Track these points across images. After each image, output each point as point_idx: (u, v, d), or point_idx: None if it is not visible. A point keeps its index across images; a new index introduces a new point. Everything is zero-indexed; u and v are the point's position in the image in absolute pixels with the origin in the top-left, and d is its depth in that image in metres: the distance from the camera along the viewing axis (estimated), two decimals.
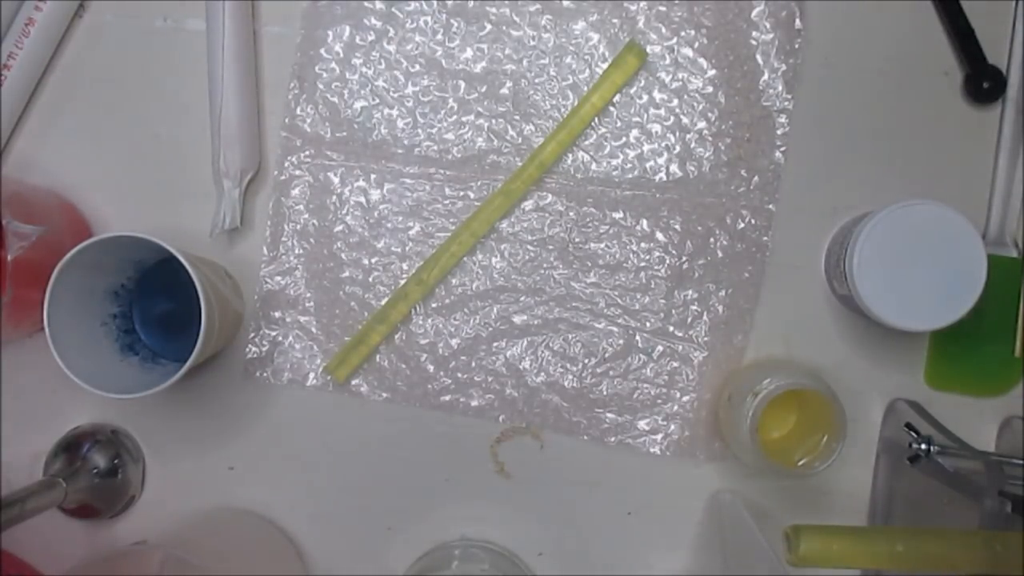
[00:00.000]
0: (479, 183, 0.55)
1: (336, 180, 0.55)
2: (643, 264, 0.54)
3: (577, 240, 0.54)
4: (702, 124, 0.54)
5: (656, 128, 0.54)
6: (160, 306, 0.54)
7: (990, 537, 0.40)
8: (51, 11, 0.53)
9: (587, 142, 0.54)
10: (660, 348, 0.54)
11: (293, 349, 0.55)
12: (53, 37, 0.54)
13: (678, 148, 0.54)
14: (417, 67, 0.55)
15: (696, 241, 0.54)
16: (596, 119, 0.54)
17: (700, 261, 0.54)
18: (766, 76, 0.54)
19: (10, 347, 0.55)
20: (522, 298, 0.55)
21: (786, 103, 0.54)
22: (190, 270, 0.46)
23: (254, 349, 0.55)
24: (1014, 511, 0.42)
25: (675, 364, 0.54)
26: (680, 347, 0.54)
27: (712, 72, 0.54)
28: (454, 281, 0.55)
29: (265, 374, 0.55)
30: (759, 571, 0.44)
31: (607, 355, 0.54)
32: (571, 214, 0.55)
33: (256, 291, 0.55)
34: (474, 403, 0.55)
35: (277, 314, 0.55)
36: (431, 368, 0.55)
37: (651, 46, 0.54)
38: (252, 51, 0.54)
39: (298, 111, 0.55)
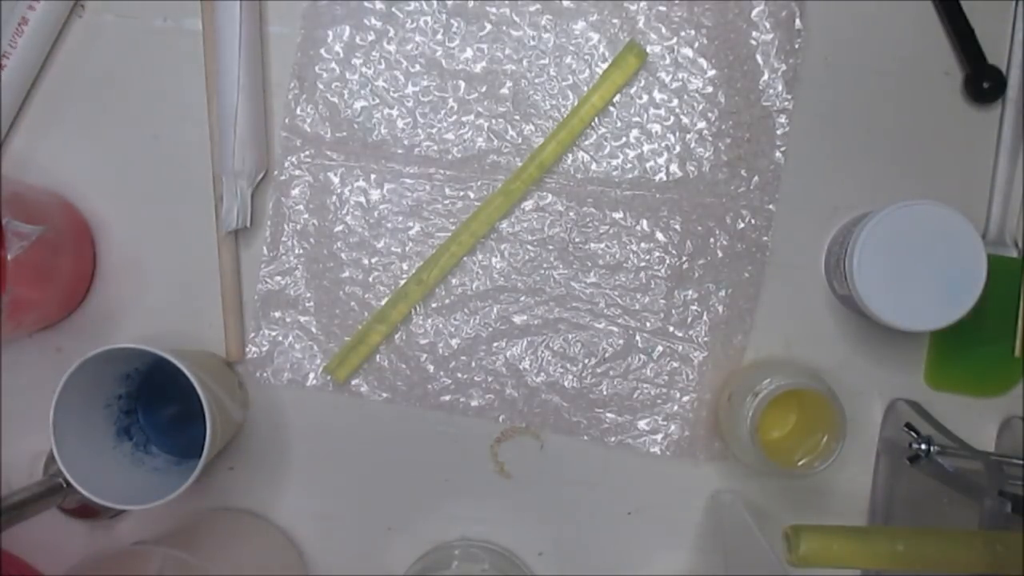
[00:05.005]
0: (479, 183, 0.55)
1: (336, 180, 0.55)
2: (643, 264, 0.54)
3: (577, 240, 0.54)
4: (702, 124, 0.54)
5: (656, 128, 0.54)
6: (166, 409, 0.54)
7: (990, 537, 0.40)
8: (45, 10, 0.53)
9: (587, 142, 0.54)
10: (660, 348, 0.54)
11: (293, 349, 0.55)
12: (48, 36, 0.54)
13: (678, 148, 0.54)
14: (417, 67, 0.55)
15: (696, 241, 0.54)
16: (596, 119, 0.54)
17: (700, 261, 0.54)
18: (766, 76, 0.54)
19: (10, 347, 0.55)
20: (522, 298, 0.55)
21: (786, 103, 0.54)
22: (202, 395, 0.46)
23: (254, 349, 0.55)
24: (1014, 511, 0.42)
25: (675, 364, 0.54)
26: (680, 347, 0.54)
27: (712, 72, 0.54)
28: (454, 281, 0.55)
29: (265, 374, 0.55)
30: (759, 571, 0.44)
31: (607, 355, 0.54)
32: (571, 214, 0.54)
33: (256, 291, 0.55)
34: (474, 403, 0.54)
35: (277, 314, 0.55)
36: (431, 368, 0.55)
37: (651, 46, 0.54)
38: (260, 51, 0.54)
39: (298, 111, 0.55)
